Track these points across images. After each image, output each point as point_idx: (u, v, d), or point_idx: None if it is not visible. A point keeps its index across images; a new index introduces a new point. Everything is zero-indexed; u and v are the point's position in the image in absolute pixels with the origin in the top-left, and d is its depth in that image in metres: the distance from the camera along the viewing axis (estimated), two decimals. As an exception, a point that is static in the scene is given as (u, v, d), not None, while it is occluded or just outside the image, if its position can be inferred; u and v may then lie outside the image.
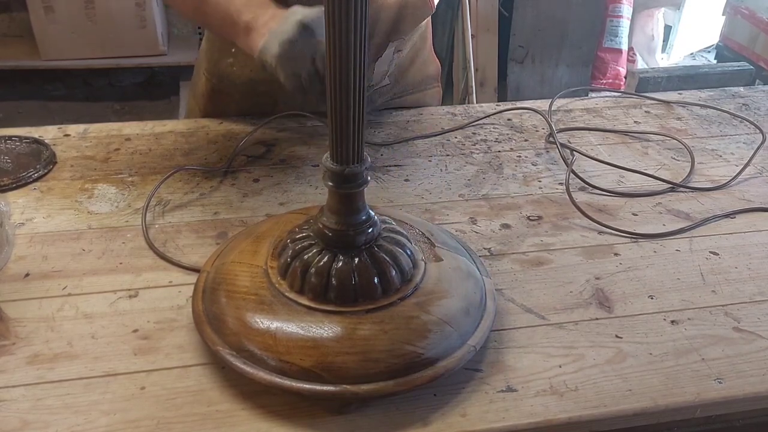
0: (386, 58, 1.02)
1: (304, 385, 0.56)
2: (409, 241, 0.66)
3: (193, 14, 0.93)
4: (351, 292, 0.60)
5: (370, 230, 0.62)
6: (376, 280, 0.61)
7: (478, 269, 0.70)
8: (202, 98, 1.10)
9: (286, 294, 0.61)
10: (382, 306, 0.60)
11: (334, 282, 0.60)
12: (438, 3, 1.02)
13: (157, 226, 0.80)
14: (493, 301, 0.67)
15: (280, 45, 0.75)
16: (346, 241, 0.61)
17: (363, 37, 0.52)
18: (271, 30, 0.76)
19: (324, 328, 0.58)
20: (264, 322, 0.59)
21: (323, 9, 0.59)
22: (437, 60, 1.17)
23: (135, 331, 0.65)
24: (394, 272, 0.62)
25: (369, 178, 0.60)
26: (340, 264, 0.60)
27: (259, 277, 0.63)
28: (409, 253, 0.64)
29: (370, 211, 0.63)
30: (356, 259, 0.61)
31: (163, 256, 0.75)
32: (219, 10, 0.84)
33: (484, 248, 0.79)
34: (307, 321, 0.59)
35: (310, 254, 0.61)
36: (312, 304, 0.60)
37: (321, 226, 0.62)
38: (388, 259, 0.62)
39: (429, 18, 1.09)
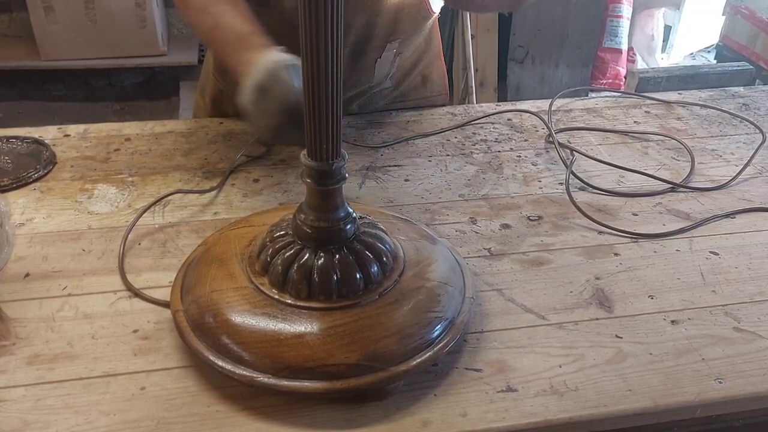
0: (387, 60, 1.02)
1: (360, 379, 0.57)
2: (386, 234, 0.67)
3: (205, 41, 0.94)
4: (354, 284, 0.61)
5: (349, 226, 0.63)
6: (375, 268, 0.62)
7: (429, 231, 0.75)
8: (209, 97, 1.10)
9: (296, 303, 0.60)
10: (389, 286, 0.63)
11: (336, 277, 0.60)
12: (441, 7, 1.02)
13: (157, 225, 0.80)
14: (458, 254, 0.73)
15: (246, 103, 0.74)
16: (327, 237, 0.62)
17: (338, 32, 0.52)
18: (240, 87, 0.76)
19: (356, 319, 0.59)
20: (294, 338, 0.58)
21: (284, 62, 0.67)
22: (443, 66, 1.16)
23: (135, 331, 0.65)
24: (385, 259, 0.64)
25: (347, 174, 0.61)
26: (321, 259, 0.61)
27: (255, 296, 0.61)
28: (388, 246, 0.65)
29: (349, 207, 0.63)
30: (337, 255, 0.61)
31: (130, 288, 0.71)
32: (219, 41, 0.83)
33: (484, 248, 0.79)
34: (334, 318, 0.59)
35: (305, 258, 0.61)
36: (328, 305, 0.60)
37: (299, 223, 0.62)
38: (375, 249, 0.64)
39: (435, 22, 1.09)
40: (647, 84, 1.70)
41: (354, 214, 0.64)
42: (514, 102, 1.15)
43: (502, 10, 2.33)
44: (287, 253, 0.62)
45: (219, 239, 0.71)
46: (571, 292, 0.73)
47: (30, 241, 0.77)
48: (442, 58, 1.16)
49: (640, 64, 3.00)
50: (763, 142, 1.03)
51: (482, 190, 0.90)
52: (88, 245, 0.77)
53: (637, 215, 0.86)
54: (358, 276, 0.61)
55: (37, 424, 0.56)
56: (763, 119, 1.11)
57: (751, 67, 1.71)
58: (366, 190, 0.89)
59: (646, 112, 1.14)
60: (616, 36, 2.86)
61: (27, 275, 0.72)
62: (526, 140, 1.03)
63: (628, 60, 2.94)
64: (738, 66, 1.69)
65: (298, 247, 0.62)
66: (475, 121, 1.08)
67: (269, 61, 0.73)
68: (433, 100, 1.14)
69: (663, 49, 3.13)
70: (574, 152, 0.98)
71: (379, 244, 0.64)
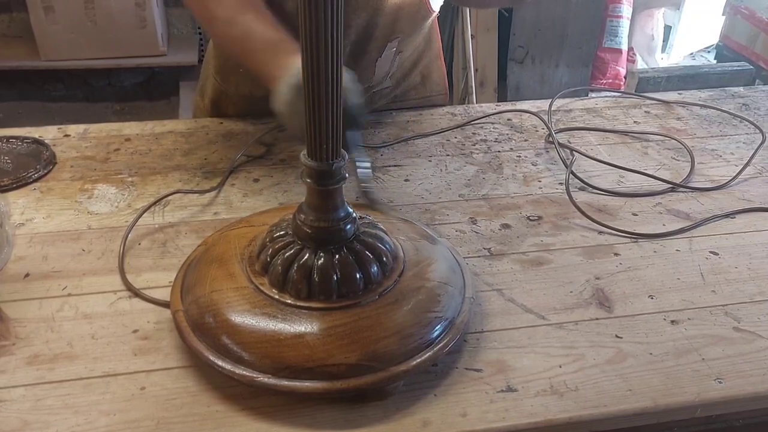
0: (387, 59, 1.02)
1: (360, 379, 0.57)
2: (386, 233, 0.67)
3: (234, 53, 0.93)
4: (354, 284, 0.61)
5: (349, 226, 0.63)
6: (375, 268, 0.62)
7: (429, 231, 0.75)
8: (209, 98, 1.10)
9: (296, 303, 0.60)
10: (389, 286, 0.63)
11: (336, 277, 0.60)
12: (441, 6, 1.02)
13: (157, 225, 0.80)
14: (458, 254, 0.73)
15: (280, 105, 0.73)
16: (327, 237, 0.62)
17: (337, 31, 0.52)
18: (274, 89, 0.75)
19: (355, 320, 0.59)
20: (294, 338, 0.58)
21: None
22: (443, 66, 1.16)
23: (135, 331, 0.65)
24: (385, 259, 0.64)
25: (347, 174, 0.61)
26: (321, 259, 0.61)
27: (255, 296, 0.61)
28: (388, 246, 0.65)
29: (349, 207, 0.63)
30: (337, 255, 0.61)
31: (130, 288, 0.70)
32: (251, 50, 0.82)
33: (484, 248, 0.79)
34: (334, 318, 0.59)
35: (305, 258, 0.61)
36: (328, 305, 0.60)
37: (299, 223, 0.62)
38: (375, 249, 0.64)
39: (435, 22, 1.09)
40: (647, 84, 1.70)
41: (354, 214, 0.64)
42: (514, 102, 1.15)
43: (504, 5, 2.33)
44: (287, 253, 0.62)
45: (219, 239, 0.71)
46: (571, 292, 0.73)
47: (30, 241, 0.77)
48: (442, 58, 1.16)
49: (640, 64, 3.00)
50: (763, 142, 1.03)
51: (482, 190, 0.90)
52: (88, 245, 0.77)
53: (637, 215, 0.86)
54: (358, 276, 0.61)
55: (37, 424, 0.56)
56: (763, 119, 1.11)
57: (751, 67, 1.71)
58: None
59: (646, 112, 1.14)
60: (616, 36, 2.86)
61: (27, 275, 0.72)
62: (526, 140, 1.03)
63: (628, 60, 2.94)
64: (738, 66, 1.69)
65: (298, 247, 0.62)
66: (475, 121, 1.08)
67: (292, 74, 0.72)
68: (432, 99, 1.14)
69: (663, 49, 3.13)
70: (574, 152, 0.98)
71: (379, 244, 0.64)
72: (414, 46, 1.07)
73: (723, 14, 2.81)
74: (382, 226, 0.68)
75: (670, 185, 0.92)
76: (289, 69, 0.73)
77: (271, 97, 0.74)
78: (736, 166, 0.96)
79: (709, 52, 3.29)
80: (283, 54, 0.77)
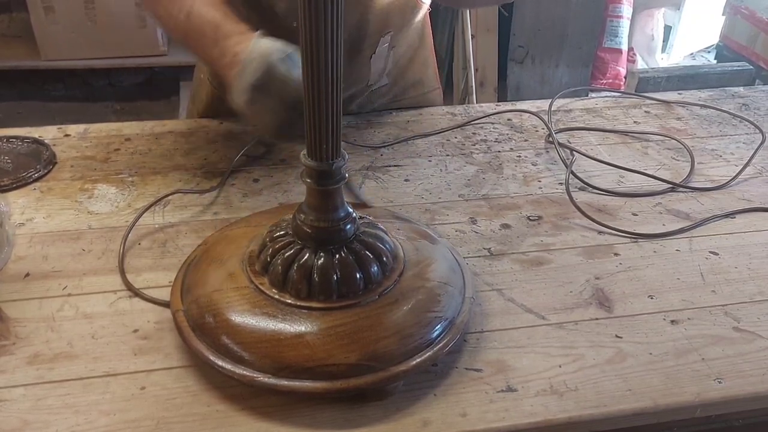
0: (381, 55, 1.02)
1: (360, 379, 0.57)
2: (386, 233, 0.67)
3: (178, 36, 0.85)
4: (354, 284, 0.61)
5: (349, 226, 0.63)
6: (375, 268, 0.62)
7: (429, 231, 0.75)
8: (203, 103, 1.09)
9: (296, 303, 0.60)
10: (389, 286, 0.63)
11: (336, 277, 0.60)
12: (440, 7, 1.01)
13: (157, 225, 0.80)
14: (458, 254, 0.72)
15: (241, 104, 0.69)
16: (327, 237, 0.62)
17: (338, 32, 0.52)
18: (230, 84, 0.69)
19: (356, 319, 0.59)
20: (294, 338, 0.58)
21: (277, 55, 0.63)
22: (435, 61, 1.16)
23: (135, 331, 0.65)
24: (385, 259, 0.64)
25: (347, 174, 0.61)
26: (321, 259, 0.61)
27: (255, 296, 0.61)
28: (388, 246, 0.65)
29: (348, 207, 0.63)
30: (337, 255, 0.61)
31: (130, 288, 0.70)
32: (195, 32, 0.77)
33: (484, 248, 0.79)
34: (334, 318, 0.59)
35: (305, 258, 0.61)
36: (328, 305, 0.60)
37: (299, 223, 0.62)
38: (375, 249, 0.64)
39: (427, 17, 1.09)
40: (647, 84, 1.70)
41: (354, 214, 0.64)
42: (514, 102, 1.15)
43: (493, 3, 2.32)
44: (287, 253, 0.62)
45: (219, 239, 0.71)
46: (571, 292, 0.73)
47: (30, 241, 0.77)
48: (434, 54, 1.16)
49: (640, 64, 3.00)
50: (763, 142, 1.03)
51: (482, 190, 0.90)
52: (88, 245, 0.77)
53: (637, 215, 0.86)
54: (358, 276, 0.61)
55: (37, 424, 0.56)
56: (763, 119, 1.11)
57: (751, 67, 1.71)
58: (366, 190, 0.89)
59: (646, 112, 1.14)
60: (616, 36, 2.86)
61: (27, 275, 0.72)
62: (526, 140, 1.03)
63: (628, 60, 2.94)
64: (738, 66, 1.69)
65: (298, 247, 0.62)
66: (475, 121, 1.08)
67: (260, 54, 0.68)
68: (427, 96, 1.14)
69: (663, 49, 3.13)
70: (574, 152, 0.98)
71: (379, 244, 0.64)
72: (408, 42, 1.07)
73: (723, 14, 2.81)
74: (382, 226, 0.68)
75: (670, 185, 0.92)
76: (243, 60, 0.68)
77: (229, 93, 0.69)
78: (736, 166, 0.96)
79: (709, 52, 3.29)
80: (225, 37, 0.72)
